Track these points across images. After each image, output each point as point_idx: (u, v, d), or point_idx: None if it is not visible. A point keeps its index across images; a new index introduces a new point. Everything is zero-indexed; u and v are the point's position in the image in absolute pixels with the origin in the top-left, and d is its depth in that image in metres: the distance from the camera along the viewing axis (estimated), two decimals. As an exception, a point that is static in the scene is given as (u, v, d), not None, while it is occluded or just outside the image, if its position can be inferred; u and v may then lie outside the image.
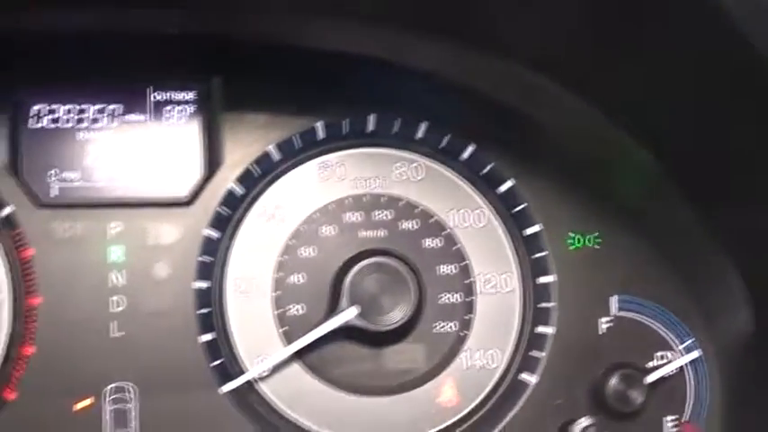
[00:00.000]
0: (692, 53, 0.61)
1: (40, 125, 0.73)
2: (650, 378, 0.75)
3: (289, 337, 0.74)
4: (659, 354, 0.77)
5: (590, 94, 0.72)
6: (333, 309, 0.73)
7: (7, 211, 0.72)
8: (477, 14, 0.66)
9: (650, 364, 0.76)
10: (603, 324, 0.77)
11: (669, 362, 0.76)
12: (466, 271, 0.77)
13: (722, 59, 0.55)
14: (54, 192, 0.73)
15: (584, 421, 0.74)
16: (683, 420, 0.78)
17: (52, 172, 0.73)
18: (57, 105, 0.74)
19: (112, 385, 0.72)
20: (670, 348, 0.77)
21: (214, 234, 0.74)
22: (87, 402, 0.72)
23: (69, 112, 0.74)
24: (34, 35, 0.74)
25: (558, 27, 0.62)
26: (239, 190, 0.75)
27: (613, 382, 0.75)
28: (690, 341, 0.77)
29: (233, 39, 0.74)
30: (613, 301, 0.77)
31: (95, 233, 0.73)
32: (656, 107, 0.69)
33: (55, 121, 0.74)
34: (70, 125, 0.74)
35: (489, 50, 0.71)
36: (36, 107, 0.73)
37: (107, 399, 0.72)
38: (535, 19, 0.62)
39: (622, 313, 0.77)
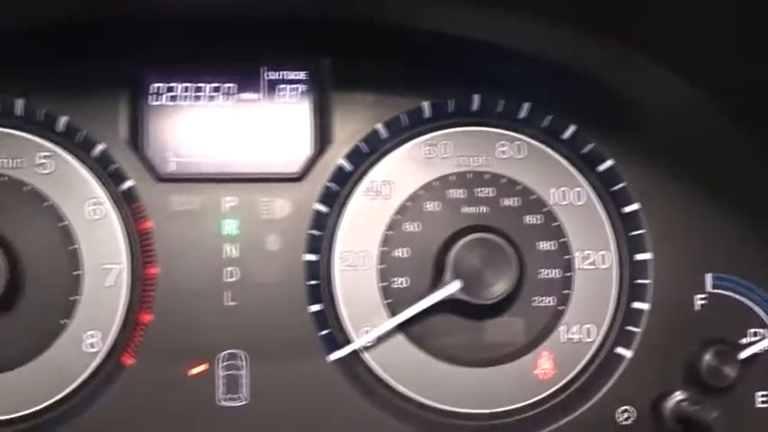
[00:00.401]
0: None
1: (159, 102, 0.75)
2: (743, 354, 0.76)
3: (393, 309, 0.76)
4: (752, 331, 0.77)
5: (697, 80, 0.72)
6: (436, 282, 0.75)
7: (128, 184, 0.74)
8: (603, 4, 0.65)
9: (743, 341, 0.77)
10: (698, 300, 0.78)
11: (762, 338, 0.77)
12: (565, 247, 0.78)
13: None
14: (172, 166, 0.75)
15: (678, 395, 0.76)
16: (776, 394, 0.82)
17: (170, 147, 0.76)
18: (175, 83, 0.77)
19: (225, 352, 0.75)
20: (764, 326, 0.78)
21: (323, 209, 0.76)
22: (202, 368, 0.74)
23: (187, 90, 0.76)
24: (155, 19, 0.73)
25: (687, 22, 0.63)
26: (348, 166, 0.77)
27: (707, 357, 0.76)
28: None
29: (343, 21, 0.75)
30: (708, 279, 0.78)
31: (211, 207, 0.76)
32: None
33: (173, 98, 0.76)
34: (187, 102, 0.76)
35: (606, 36, 0.69)
36: (156, 85, 0.76)
37: (220, 365, 0.74)
38: (668, 16, 0.63)
39: (717, 290, 0.78)
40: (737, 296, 0.79)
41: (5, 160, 0.74)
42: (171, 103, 0.76)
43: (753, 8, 0.58)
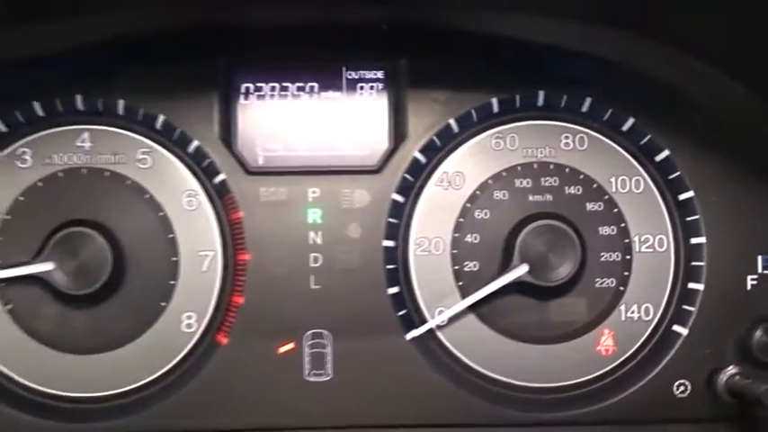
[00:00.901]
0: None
1: (248, 101, 0.80)
2: None
3: (464, 291, 0.80)
4: None
5: (743, 78, 0.75)
6: (505, 266, 0.79)
7: (220, 178, 0.79)
8: (657, 12, 0.70)
9: None
10: (750, 281, 0.81)
11: None
12: (625, 232, 0.82)
13: None
14: (260, 160, 0.80)
15: (731, 369, 0.79)
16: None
17: (258, 143, 0.81)
18: (262, 83, 0.82)
19: (311, 332, 0.80)
20: None
21: (400, 198, 0.81)
22: (290, 347, 0.80)
23: (273, 89, 0.81)
24: (246, 25, 0.79)
25: (733, 28, 0.67)
26: (423, 159, 0.81)
27: (758, 334, 0.79)
28: None
29: (417, 25, 0.79)
30: (760, 260, 0.82)
31: (296, 197, 0.80)
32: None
33: (261, 97, 0.81)
34: (274, 101, 0.81)
35: (659, 40, 0.74)
36: (245, 85, 0.80)
37: (306, 343, 0.79)
38: (712, 19, 0.67)
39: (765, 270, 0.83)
40: None
41: (109, 156, 0.79)
42: (259, 102, 0.81)
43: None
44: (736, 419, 0.81)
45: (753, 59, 0.76)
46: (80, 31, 0.79)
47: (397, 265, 0.83)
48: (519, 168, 0.82)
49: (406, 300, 0.82)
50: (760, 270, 0.82)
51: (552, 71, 0.83)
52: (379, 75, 0.83)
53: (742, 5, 0.65)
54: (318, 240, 0.81)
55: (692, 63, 0.78)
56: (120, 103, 0.80)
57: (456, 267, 0.82)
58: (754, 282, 0.82)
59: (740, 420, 0.81)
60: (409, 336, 0.81)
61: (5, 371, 0.80)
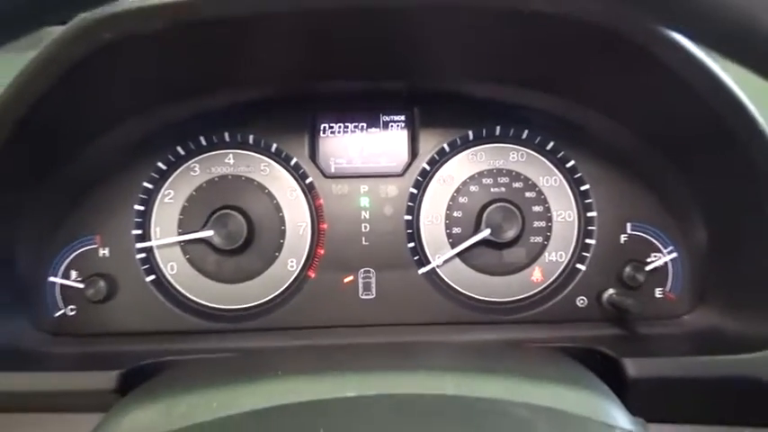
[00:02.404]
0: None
1: (325, 135, 1.10)
2: (648, 267, 1.07)
3: (453, 245, 1.08)
4: (654, 254, 1.08)
5: (618, 120, 1.02)
6: (476, 230, 1.07)
7: (309, 180, 1.08)
8: (576, 85, 0.98)
9: (648, 260, 1.08)
10: (623, 237, 1.08)
11: (658, 258, 1.08)
12: (548, 209, 1.09)
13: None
14: (332, 169, 1.09)
15: (611, 290, 1.06)
16: (666, 290, 1.09)
17: (331, 159, 1.09)
18: (333, 124, 1.10)
19: (363, 269, 1.09)
20: (659, 251, 1.09)
21: (414, 191, 1.09)
22: (350, 278, 1.09)
23: (340, 127, 1.10)
24: (325, 93, 1.07)
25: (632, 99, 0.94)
26: (428, 167, 1.09)
27: (627, 269, 1.06)
28: (671, 247, 1.08)
29: (428, 90, 1.08)
30: (629, 225, 1.09)
31: (354, 191, 1.09)
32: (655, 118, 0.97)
33: (332, 132, 1.10)
34: (340, 134, 1.10)
35: (571, 100, 1.02)
36: (323, 125, 1.10)
37: (360, 276, 1.08)
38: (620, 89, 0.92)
39: (634, 231, 1.09)
40: (644, 234, 1.09)
41: (244, 168, 1.08)
42: (331, 135, 1.10)
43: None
44: (613, 320, 1.07)
45: (650, 121, 0.99)
46: (228, 98, 1.06)
47: (413, 231, 1.09)
48: (485, 172, 1.10)
49: (418, 250, 1.09)
50: (628, 231, 1.09)
51: (506, 115, 1.10)
52: (402, 118, 1.10)
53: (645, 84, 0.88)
54: (367, 216, 1.09)
55: (594, 113, 1.05)
56: (251, 137, 1.08)
57: (448, 231, 1.09)
58: (626, 238, 1.09)
59: (616, 320, 1.07)
60: (420, 271, 1.08)
61: (187, 293, 1.09)
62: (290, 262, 1.10)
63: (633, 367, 0.89)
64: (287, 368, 0.74)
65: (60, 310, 1.08)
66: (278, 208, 1.10)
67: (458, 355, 0.83)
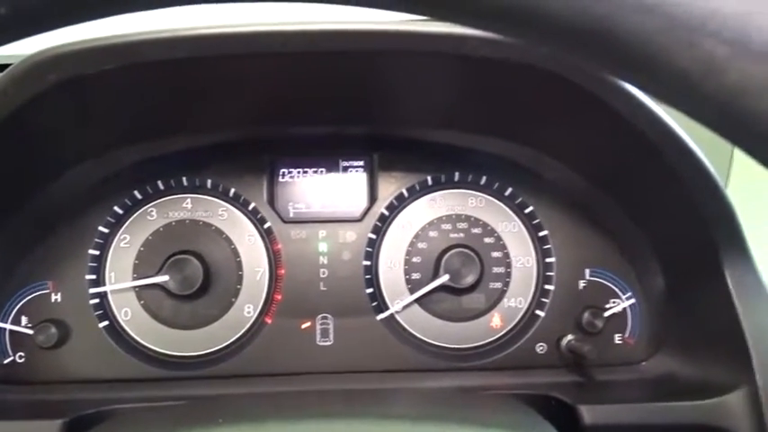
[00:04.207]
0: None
1: (284, 179, 1.10)
2: (606, 313, 1.07)
3: (412, 291, 1.08)
4: (613, 300, 1.09)
5: (574, 167, 1.04)
6: (435, 276, 1.07)
7: (267, 224, 1.08)
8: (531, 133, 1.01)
9: (607, 306, 1.08)
10: (582, 284, 1.09)
11: (617, 305, 1.08)
12: (507, 255, 1.09)
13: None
14: (291, 214, 1.09)
15: (570, 336, 1.06)
16: (625, 336, 1.09)
17: (290, 204, 1.09)
18: (292, 169, 1.10)
19: (321, 315, 1.08)
20: (617, 296, 1.09)
21: (373, 236, 1.09)
22: (308, 324, 1.08)
23: (299, 172, 1.11)
24: (283, 138, 1.09)
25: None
26: (387, 213, 1.09)
27: (586, 315, 1.06)
28: (630, 293, 1.09)
29: (387, 135, 1.09)
30: (587, 271, 1.10)
31: (312, 236, 1.09)
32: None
33: (291, 176, 1.10)
34: (299, 178, 1.11)
35: (527, 147, 1.04)
36: (282, 170, 1.10)
37: (318, 322, 1.07)
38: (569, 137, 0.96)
39: (593, 277, 1.09)
40: (602, 280, 1.09)
41: (202, 212, 1.08)
42: (290, 179, 1.10)
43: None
44: (572, 366, 1.06)
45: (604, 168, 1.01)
46: (186, 142, 1.07)
47: (371, 276, 1.09)
48: (444, 218, 1.10)
49: (377, 296, 1.09)
50: (587, 277, 1.10)
51: (465, 161, 1.11)
52: (361, 163, 1.11)
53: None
54: (325, 261, 1.09)
55: (549, 160, 1.06)
56: (209, 181, 1.07)
57: (407, 277, 1.09)
58: (584, 284, 1.10)
59: (575, 367, 1.06)
60: (379, 317, 1.08)
61: (140, 340, 1.07)
62: (247, 308, 1.09)
63: (589, 414, 0.89)
64: (230, 415, 0.72)
65: (9, 357, 1.06)
66: (235, 253, 1.09)
67: (410, 403, 0.82)
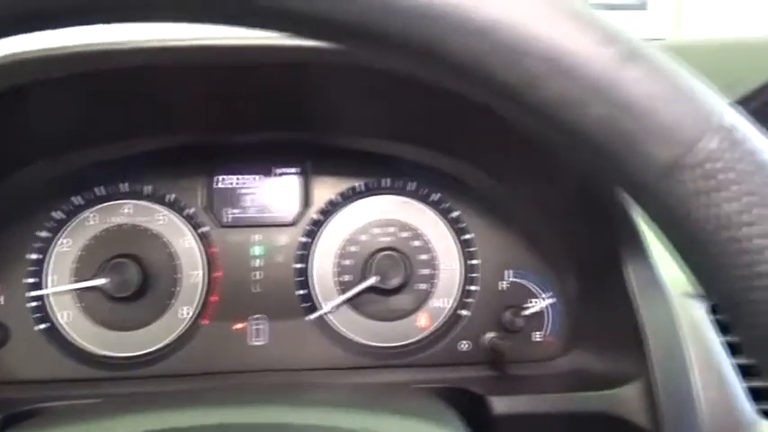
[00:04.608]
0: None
1: (219, 185, 1.12)
2: (526, 312, 1.11)
3: (343, 292, 1.11)
4: (533, 300, 1.13)
5: (498, 177, 1.10)
6: (365, 277, 1.10)
7: (204, 229, 1.10)
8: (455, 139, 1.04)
9: (527, 306, 1.13)
10: (504, 285, 1.13)
11: (536, 305, 1.13)
12: (434, 257, 1.13)
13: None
14: (227, 219, 1.11)
15: (492, 334, 1.10)
16: (543, 334, 1.15)
17: (227, 208, 1.11)
18: (226, 176, 1.14)
19: (254, 316, 1.11)
20: (535, 296, 1.14)
21: (306, 240, 1.11)
22: (242, 325, 1.10)
23: (235, 178, 1.14)
24: (220, 146, 1.12)
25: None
26: (319, 217, 1.12)
27: (507, 314, 1.10)
28: (548, 294, 1.14)
29: (321, 143, 1.11)
30: (509, 273, 1.14)
31: (247, 240, 1.11)
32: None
33: (228, 182, 1.14)
34: (235, 184, 1.14)
35: (452, 156, 1.09)
36: (216, 177, 1.12)
37: (252, 323, 1.10)
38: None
39: (514, 279, 1.14)
40: (523, 281, 1.14)
41: (141, 218, 1.09)
42: (226, 186, 1.13)
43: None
44: (493, 363, 1.11)
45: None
46: (126, 148, 1.10)
47: (304, 278, 1.14)
48: (374, 222, 1.13)
49: (309, 298, 1.13)
50: (509, 279, 1.16)
51: (395, 168, 1.16)
52: (296, 169, 1.15)
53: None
54: (258, 264, 1.12)
55: (472, 169, 1.12)
56: (148, 187, 1.09)
57: (338, 279, 1.14)
58: (507, 285, 1.15)
59: (495, 363, 1.10)
60: (310, 317, 1.11)
61: (79, 341, 1.09)
62: (184, 309, 1.12)
63: (498, 405, 0.95)
64: (153, 405, 0.76)
65: (-51, 358, 1.07)
66: (173, 257, 1.11)
67: (319, 394, 0.87)
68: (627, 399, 0.94)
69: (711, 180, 0.29)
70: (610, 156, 0.31)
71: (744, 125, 0.31)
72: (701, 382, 0.91)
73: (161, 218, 1.12)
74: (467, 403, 0.96)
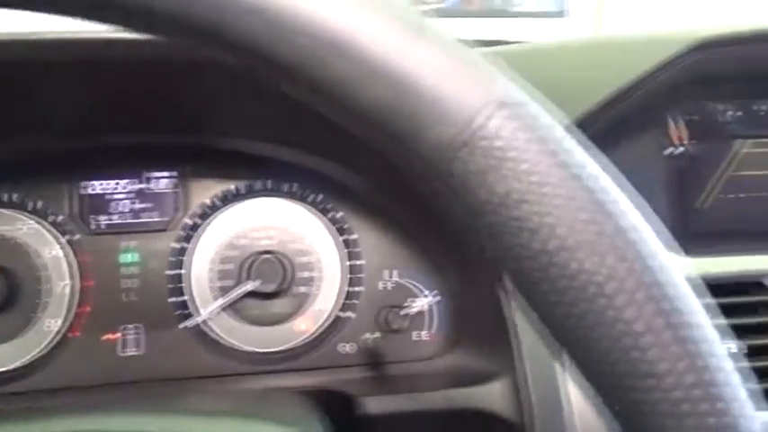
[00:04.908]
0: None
1: (91, 190, 1.10)
2: (407, 312, 1.11)
3: (220, 297, 1.11)
4: (416, 300, 1.11)
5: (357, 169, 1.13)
6: (244, 281, 1.10)
7: (75, 237, 1.09)
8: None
9: (410, 305, 1.11)
10: (389, 285, 1.15)
11: (420, 304, 1.13)
12: (316, 260, 1.12)
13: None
14: (97, 226, 1.09)
15: (373, 336, 1.11)
16: (426, 334, 1.15)
17: (96, 215, 1.10)
18: (96, 182, 1.12)
19: (130, 325, 1.10)
20: (421, 297, 1.13)
21: (182, 245, 1.12)
22: (117, 335, 1.09)
23: (106, 183, 1.11)
24: (88, 151, 1.10)
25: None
26: (197, 222, 1.11)
27: (390, 315, 1.09)
28: (431, 294, 1.14)
29: (196, 145, 1.12)
30: (395, 273, 1.15)
31: (119, 246, 1.10)
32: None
33: (99, 188, 1.11)
34: (106, 190, 1.12)
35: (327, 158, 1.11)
36: (84, 183, 1.10)
37: (127, 333, 1.10)
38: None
39: (398, 279, 1.13)
40: (407, 281, 1.15)
41: (6, 226, 1.07)
42: (96, 192, 1.11)
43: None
44: (374, 364, 1.12)
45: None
46: None
47: (180, 285, 1.12)
48: (254, 226, 1.14)
49: (187, 305, 1.12)
50: (392, 279, 1.16)
51: (274, 169, 1.15)
52: (170, 173, 1.14)
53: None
54: (132, 271, 1.11)
55: (347, 171, 1.15)
56: (12, 195, 1.09)
57: (216, 284, 1.12)
58: (391, 285, 1.16)
59: (377, 364, 1.12)
60: (186, 325, 1.11)
61: None
62: (53, 321, 1.10)
63: (371, 405, 0.93)
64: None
65: None
66: (40, 267, 1.10)
67: (178, 402, 0.84)
68: (497, 394, 0.94)
69: (491, 158, 0.29)
70: (395, 138, 0.31)
71: (524, 100, 0.30)
72: (568, 375, 0.91)
73: (26, 227, 1.10)
74: (337, 405, 0.95)
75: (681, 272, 0.31)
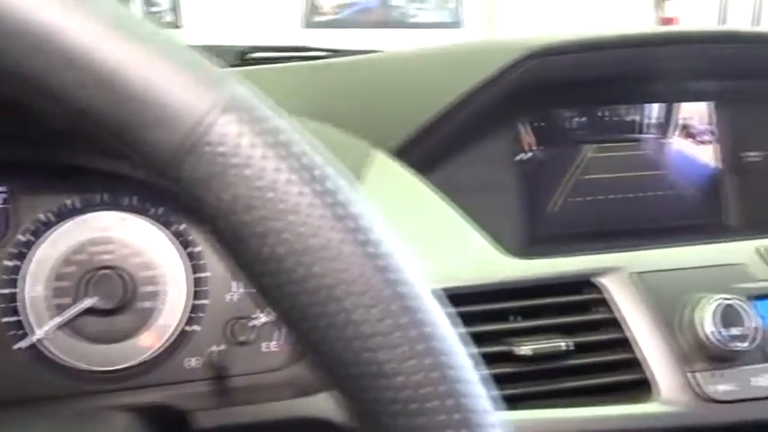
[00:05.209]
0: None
1: None
2: (253, 323, 1.14)
3: (57, 315, 1.07)
4: (262, 311, 1.15)
5: None
6: (82, 298, 1.08)
7: None
8: None
9: (254, 315, 1.14)
10: (235, 296, 1.15)
11: (266, 315, 1.14)
12: (159, 274, 1.12)
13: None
14: None
15: (219, 348, 1.12)
16: (274, 345, 1.17)
17: None
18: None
19: None
20: (263, 309, 1.13)
21: (12, 263, 1.09)
22: None
23: None
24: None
25: None
26: (29, 238, 1.10)
27: (236, 327, 1.12)
28: None
29: (24, 159, 1.07)
30: (239, 284, 1.15)
31: None
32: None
33: None
34: None
35: None
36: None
37: None
38: None
39: (242, 290, 1.14)
40: (252, 291, 1.14)
41: None
42: None
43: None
44: (221, 377, 1.12)
45: None
46: None
47: (12, 304, 1.09)
48: (92, 240, 1.12)
49: (22, 324, 1.09)
50: (237, 290, 1.16)
51: (113, 183, 1.12)
52: (3, 189, 1.10)
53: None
54: None
55: None
56: None
57: (53, 302, 1.10)
58: (237, 296, 1.16)
59: (224, 377, 1.12)
60: (21, 345, 1.08)
61: None
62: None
63: (203, 419, 0.93)
64: None
65: None
66: None
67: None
68: (334, 401, 0.95)
69: (216, 165, 0.30)
70: (127, 143, 0.32)
71: (251, 105, 0.31)
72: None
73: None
74: (168, 422, 0.94)
75: (416, 274, 0.32)
